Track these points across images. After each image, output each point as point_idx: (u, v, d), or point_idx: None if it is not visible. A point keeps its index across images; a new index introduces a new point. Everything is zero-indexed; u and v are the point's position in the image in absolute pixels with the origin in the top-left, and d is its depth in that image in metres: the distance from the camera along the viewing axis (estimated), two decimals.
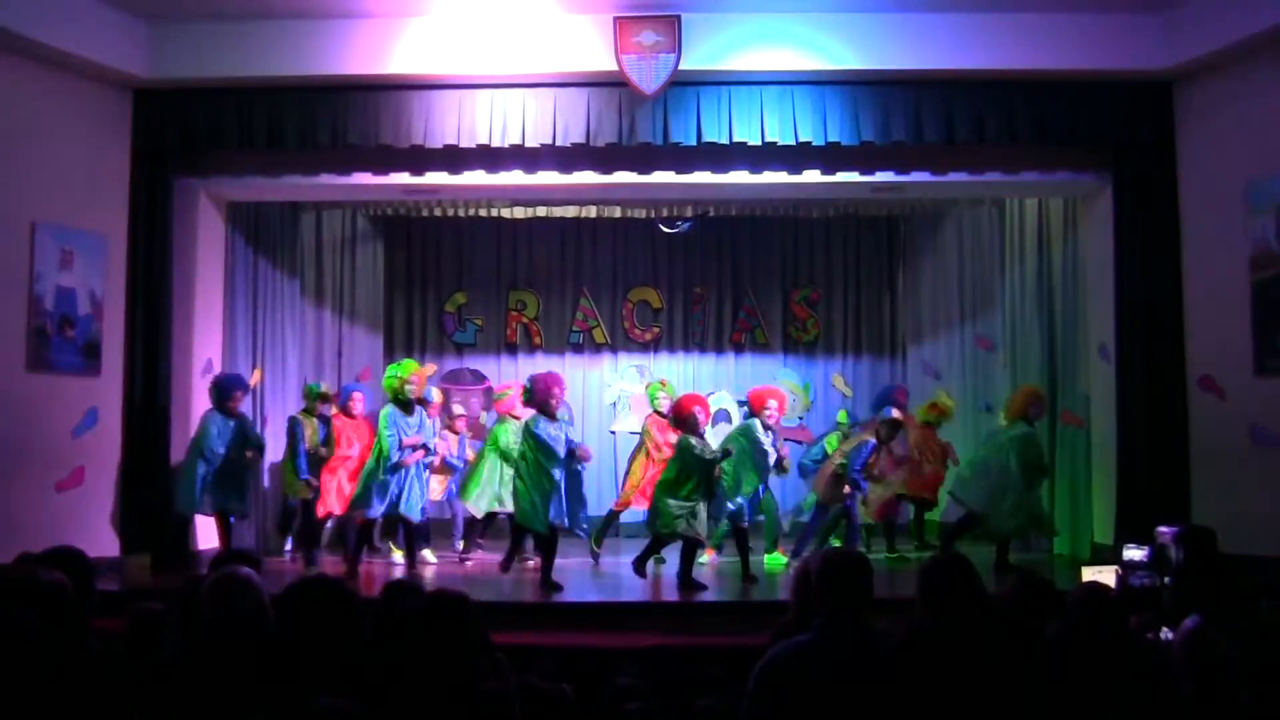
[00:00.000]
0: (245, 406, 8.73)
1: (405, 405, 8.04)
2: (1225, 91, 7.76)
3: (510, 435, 8.63)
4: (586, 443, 9.41)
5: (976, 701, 2.89)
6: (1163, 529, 6.05)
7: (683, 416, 7.66)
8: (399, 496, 7.97)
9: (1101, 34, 7.90)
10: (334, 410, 8.75)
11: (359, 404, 8.74)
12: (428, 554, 8.74)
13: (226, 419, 8.17)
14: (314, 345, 10.57)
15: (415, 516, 8.13)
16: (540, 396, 7.40)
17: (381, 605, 3.20)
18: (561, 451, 7.25)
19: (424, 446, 8.09)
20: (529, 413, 7.63)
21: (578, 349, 11.67)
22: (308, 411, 8.73)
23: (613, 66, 7.88)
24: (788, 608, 3.76)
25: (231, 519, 8.25)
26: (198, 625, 3.03)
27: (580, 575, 8.18)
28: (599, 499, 10.10)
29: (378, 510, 7.97)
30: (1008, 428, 8.30)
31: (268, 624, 2.99)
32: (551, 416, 7.38)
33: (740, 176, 8.48)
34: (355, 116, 8.16)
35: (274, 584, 3.23)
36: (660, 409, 8.89)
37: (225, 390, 8.21)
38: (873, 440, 8.57)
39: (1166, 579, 5.53)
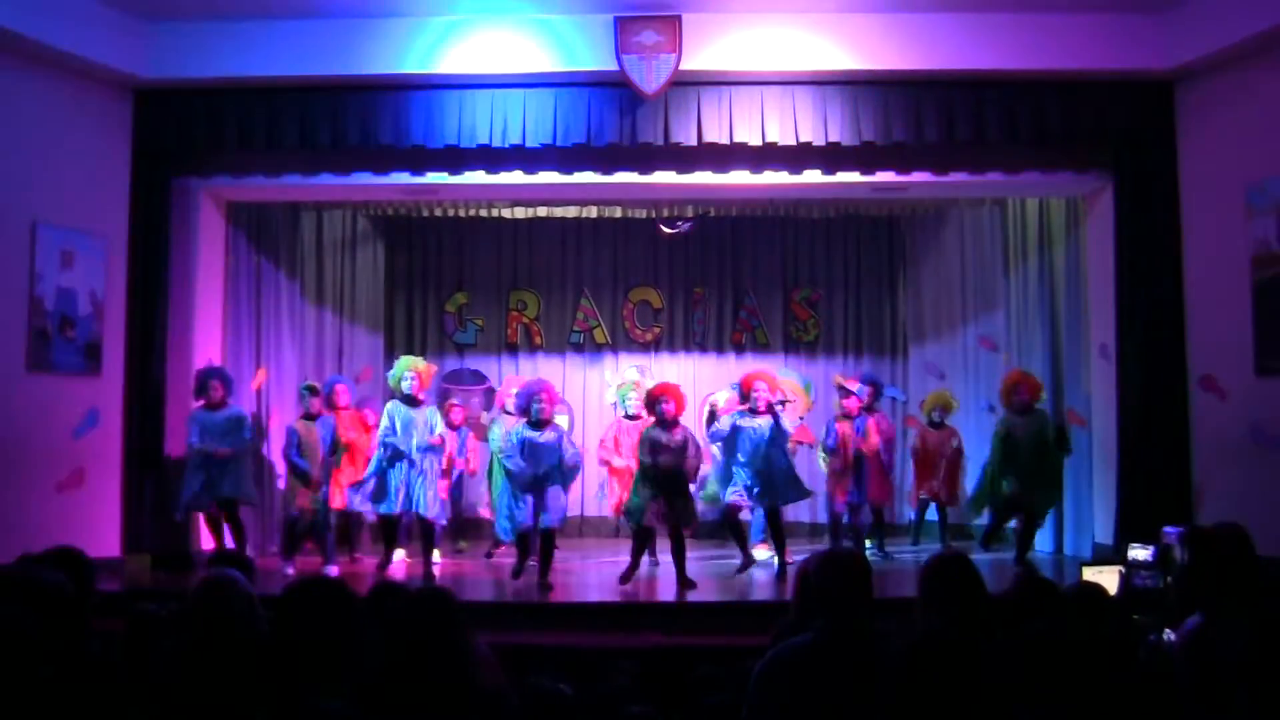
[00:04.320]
0: (249, 405, 8.74)
1: (408, 400, 8.02)
2: (1225, 91, 7.76)
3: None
4: (587, 443, 9.43)
5: (977, 703, 2.89)
6: (1168, 529, 6.06)
7: (648, 404, 7.78)
8: (407, 494, 7.89)
9: (1101, 34, 7.90)
10: (324, 408, 8.47)
11: (343, 395, 8.65)
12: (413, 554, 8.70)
13: (210, 412, 8.01)
14: (314, 345, 10.57)
15: (427, 514, 7.97)
16: (521, 403, 7.63)
17: (370, 607, 3.19)
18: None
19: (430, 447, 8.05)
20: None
21: (578, 349, 11.66)
22: (307, 416, 8.32)
23: (613, 66, 7.89)
24: (788, 608, 3.75)
25: (238, 511, 8.14)
26: (189, 626, 3.03)
27: (580, 575, 8.18)
28: (601, 501, 10.10)
29: (384, 507, 7.95)
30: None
31: (257, 625, 2.99)
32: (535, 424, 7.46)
33: (741, 177, 8.48)
34: (355, 116, 8.17)
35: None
36: (630, 412, 8.88)
37: (199, 383, 8.11)
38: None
39: (1169, 579, 5.54)
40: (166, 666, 2.94)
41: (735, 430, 7.90)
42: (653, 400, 7.73)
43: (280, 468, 8.77)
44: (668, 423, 7.55)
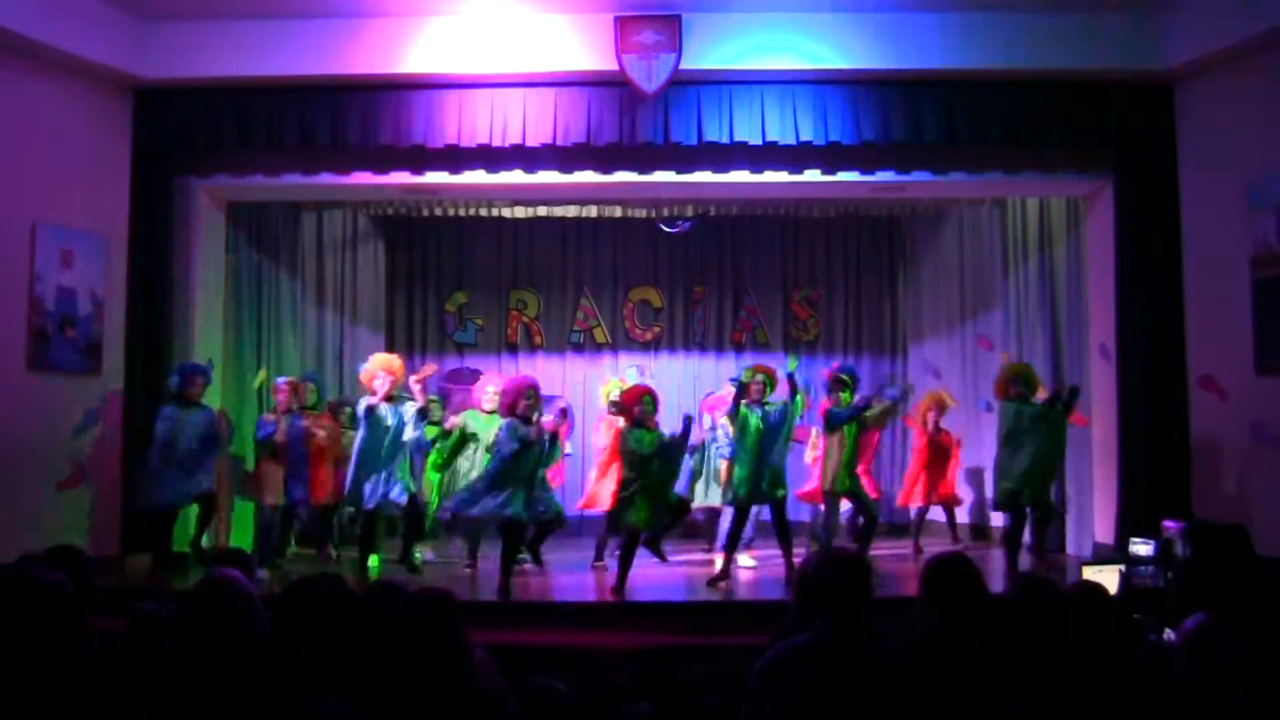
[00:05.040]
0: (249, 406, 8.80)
1: (388, 399, 7.78)
2: (1225, 91, 7.75)
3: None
4: (587, 442, 9.38)
5: (977, 703, 2.89)
6: (1168, 523, 6.05)
7: (625, 408, 7.44)
8: (374, 490, 7.71)
9: (1101, 34, 7.90)
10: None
11: (308, 393, 8.57)
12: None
13: (182, 409, 7.85)
14: (315, 345, 10.58)
15: (400, 500, 7.79)
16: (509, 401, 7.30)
17: (370, 607, 3.19)
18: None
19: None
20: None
21: (578, 348, 11.67)
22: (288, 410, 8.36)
23: (613, 66, 7.89)
24: (788, 608, 3.75)
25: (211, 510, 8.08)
26: (190, 625, 3.03)
27: (580, 575, 8.18)
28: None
29: (368, 502, 7.77)
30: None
31: (257, 624, 2.99)
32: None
33: (741, 176, 8.48)
34: (355, 116, 8.17)
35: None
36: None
37: (181, 377, 7.94)
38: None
39: (1170, 574, 5.54)
40: (166, 666, 2.95)
41: (742, 418, 7.64)
42: (627, 405, 7.42)
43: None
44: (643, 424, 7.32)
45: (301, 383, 8.58)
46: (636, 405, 7.25)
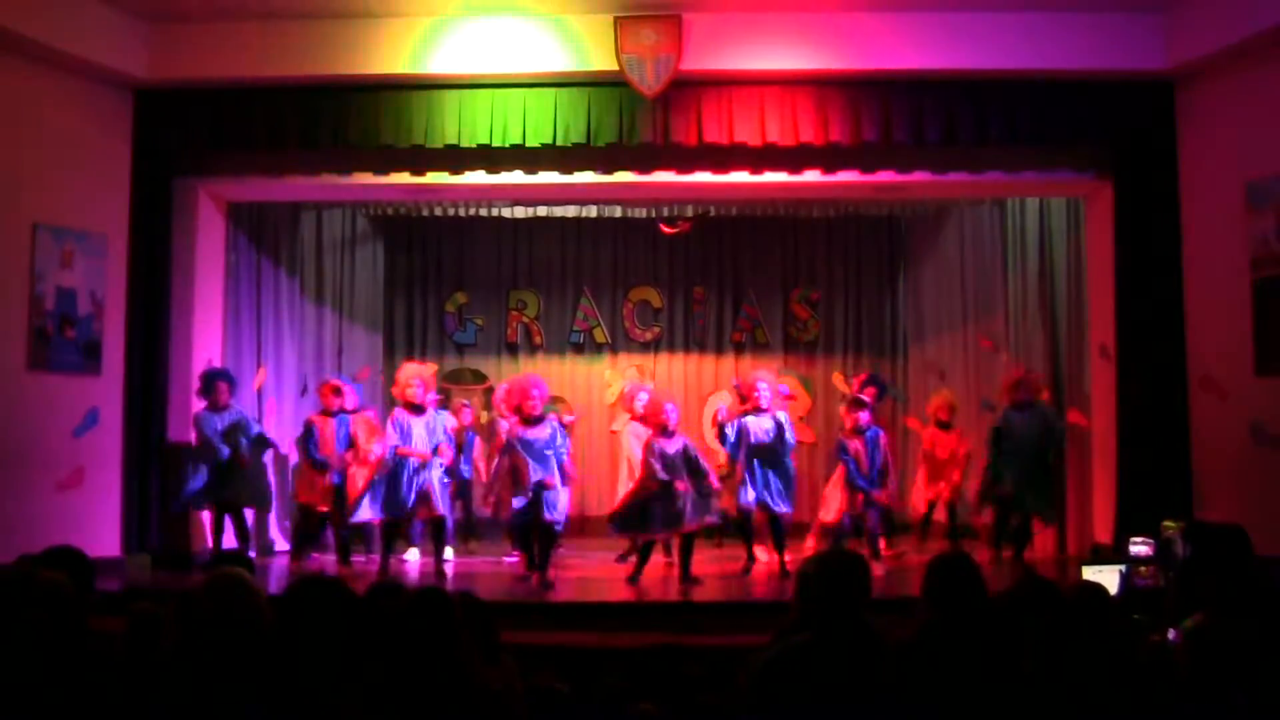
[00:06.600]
0: (249, 405, 8.80)
1: (411, 407, 7.94)
2: (1225, 91, 7.75)
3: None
4: (591, 442, 9.45)
5: (976, 702, 2.89)
6: (1167, 524, 6.06)
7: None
8: (393, 497, 7.87)
9: (1101, 34, 7.90)
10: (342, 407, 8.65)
11: (350, 397, 8.72)
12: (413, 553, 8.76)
13: (213, 414, 8.16)
14: (314, 345, 10.58)
15: (438, 509, 7.97)
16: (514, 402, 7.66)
17: (369, 607, 3.20)
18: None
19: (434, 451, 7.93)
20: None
21: (578, 349, 11.67)
22: (326, 411, 8.58)
23: (613, 66, 7.88)
24: (789, 608, 3.75)
25: (244, 514, 8.22)
26: (195, 625, 3.03)
27: (581, 575, 8.18)
28: (599, 500, 10.09)
29: (362, 514, 8.02)
30: None
31: (263, 624, 2.99)
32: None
33: (741, 177, 8.47)
34: (356, 116, 8.16)
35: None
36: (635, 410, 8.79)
37: (205, 383, 8.22)
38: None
39: (1170, 574, 5.54)
40: (167, 666, 2.94)
41: (741, 430, 7.92)
42: (653, 412, 7.78)
43: (291, 462, 8.88)
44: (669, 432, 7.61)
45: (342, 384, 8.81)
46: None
